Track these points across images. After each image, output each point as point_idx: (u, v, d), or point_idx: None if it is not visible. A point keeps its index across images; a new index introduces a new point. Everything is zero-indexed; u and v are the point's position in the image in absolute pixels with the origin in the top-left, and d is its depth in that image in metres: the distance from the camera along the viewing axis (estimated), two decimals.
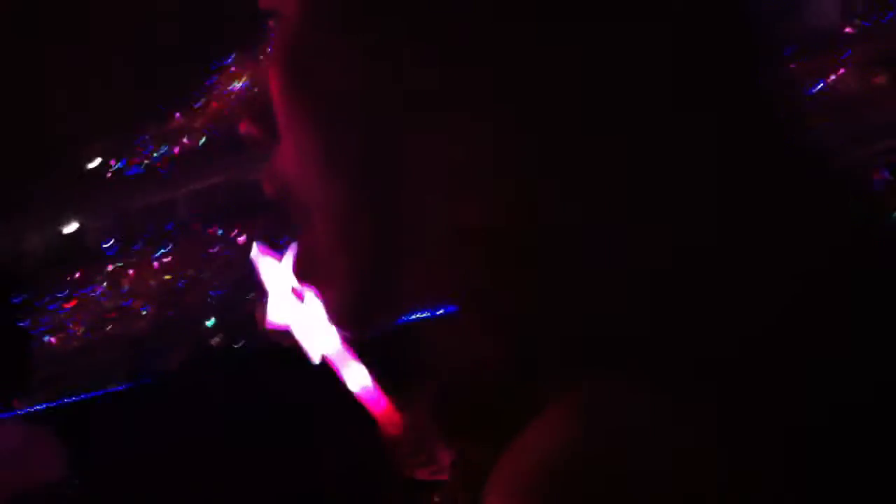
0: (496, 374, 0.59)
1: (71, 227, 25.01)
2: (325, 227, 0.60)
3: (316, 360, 1.02)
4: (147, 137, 25.99)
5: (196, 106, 26.43)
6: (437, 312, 0.63)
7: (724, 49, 0.53)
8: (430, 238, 0.56)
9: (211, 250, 23.46)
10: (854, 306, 0.54)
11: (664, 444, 0.47)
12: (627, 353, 0.52)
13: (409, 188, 0.56)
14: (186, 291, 22.38)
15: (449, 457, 1.02)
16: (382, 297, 0.60)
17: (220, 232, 23.59)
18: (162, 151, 25.36)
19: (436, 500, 1.14)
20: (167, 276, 23.17)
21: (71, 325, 22.24)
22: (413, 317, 0.62)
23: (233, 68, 26.73)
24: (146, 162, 25.36)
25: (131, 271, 23.75)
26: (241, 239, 22.72)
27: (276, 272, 1.01)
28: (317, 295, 1.00)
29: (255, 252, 1.05)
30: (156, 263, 23.88)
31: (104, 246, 24.14)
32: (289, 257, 1.03)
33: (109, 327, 21.46)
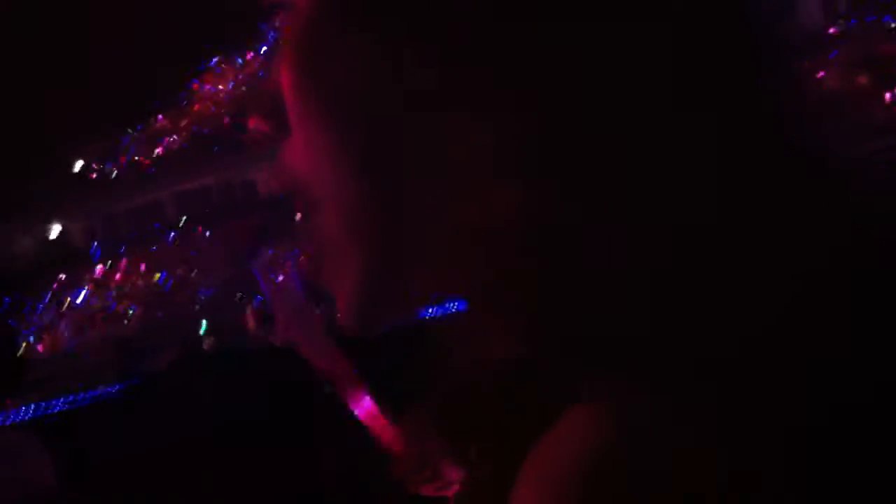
0: (498, 374, 0.59)
1: (56, 230, 24.93)
2: (335, 223, 0.59)
3: (321, 377, 1.02)
4: (131, 139, 25.94)
5: (180, 107, 26.39)
6: (446, 309, 0.63)
7: (723, 49, 0.52)
8: (432, 237, 0.56)
9: (198, 251, 23.42)
10: (854, 306, 0.51)
11: (681, 445, 0.47)
12: (627, 353, 0.51)
13: (409, 188, 0.56)
14: (174, 292, 22.34)
15: (454, 472, 1.03)
16: (391, 293, 0.59)
17: (206, 233, 23.55)
18: (146, 153, 25.31)
19: None
20: (154, 278, 23.12)
21: (58, 328, 22.18)
22: (420, 315, 0.61)
23: (217, 69, 26.71)
24: (131, 163, 25.31)
25: (118, 273, 23.70)
26: (228, 239, 22.68)
27: (281, 289, 1.01)
28: (319, 314, 1.00)
29: (260, 267, 1.05)
30: (142, 265, 23.83)
31: (90, 248, 24.06)
32: (291, 274, 1.03)
33: (96, 329, 21.41)
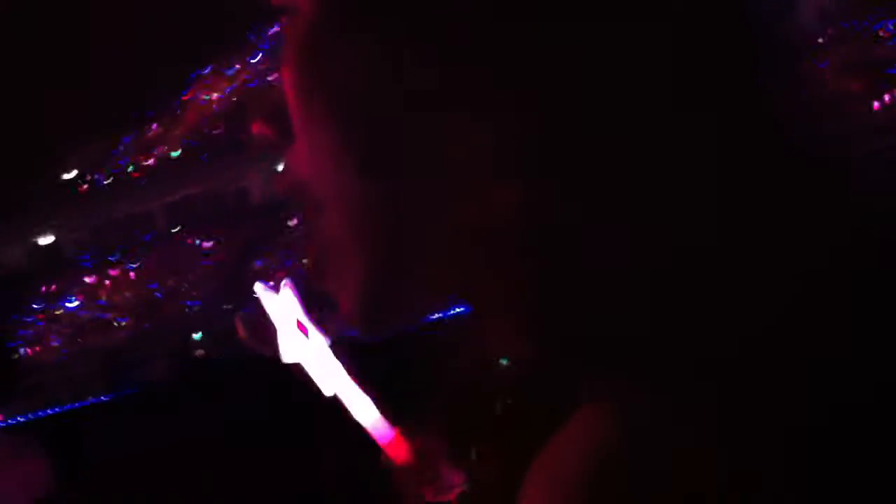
0: (499, 374, 0.59)
1: (47, 239, 24.78)
2: (338, 225, 0.59)
3: (327, 392, 1.01)
4: (123, 148, 25.83)
5: (172, 116, 26.29)
6: (450, 313, 0.62)
7: (723, 49, 0.52)
8: (433, 237, 0.56)
9: (189, 261, 23.31)
10: (854, 306, 0.51)
11: (684, 445, 0.47)
12: (627, 353, 0.51)
13: (410, 188, 0.56)
14: (164, 302, 22.22)
15: (454, 475, 1.02)
16: (395, 295, 0.59)
17: (197, 242, 23.44)
18: (138, 162, 25.19)
19: None
20: (144, 288, 22.99)
21: (48, 337, 22.04)
22: (424, 320, 0.61)
23: (208, 79, 26.63)
24: (122, 173, 25.18)
25: (108, 283, 23.57)
26: (219, 249, 22.57)
27: (281, 308, 1.01)
28: (320, 327, 1.00)
29: (260, 289, 1.04)
30: (133, 274, 23.70)
31: (81, 258, 23.92)
32: (290, 293, 1.03)
33: (87, 339, 21.27)
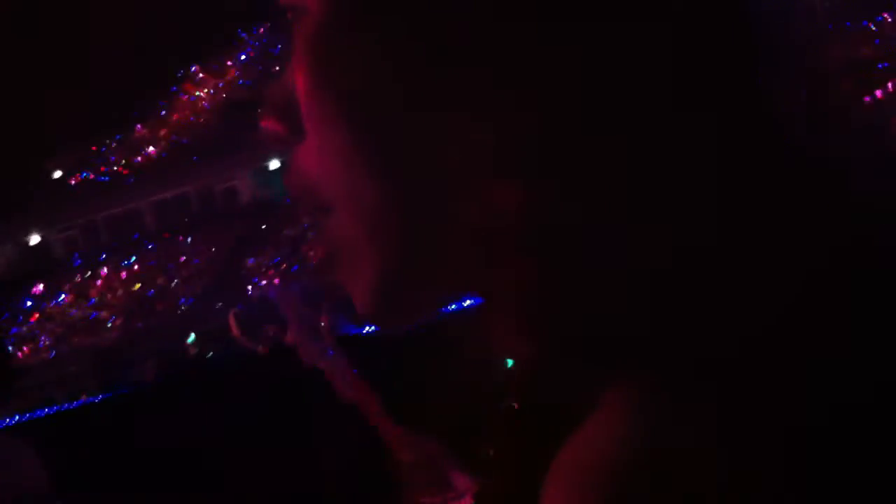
0: (509, 374, 0.59)
1: (36, 239, 24.63)
2: (352, 224, 0.58)
3: (343, 393, 1.01)
4: (111, 147, 25.68)
5: (160, 116, 26.15)
6: (455, 308, 0.62)
7: (724, 48, 0.52)
8: (437, 236, 0.56)
9: (179, 260, 23.18)
10: (854, 306, 0.50)
11: (686, 445, 0.47)
12: (629, 353, 0.51)
13: (413, 188, 0.55)
14: (155, 301, 22.09)
15: (461, 481, 1.02)
16: (407, 291, 0.59)
17: (188, 241, 23.32)
18: (126, 161, 25.03)
19: None
20: (135, 287, 22.86)
21: (38, 338, 21.90)
22: (437, 313, 0.61)
23: (198, 76, 26.49)
24: (111, 171, 25.02)
25: (98, 282, 23.43)
26: (210, 248, 22.44)
27: (298, 311, 1.01)
28: (328, 326, 1.00)
29: (277, 291, 1.05)
30: (122, 274, 23.56)
31: (70, 257, 23.76)
32: (297, 294, 1.03)
33: (77, 338, 21.13)
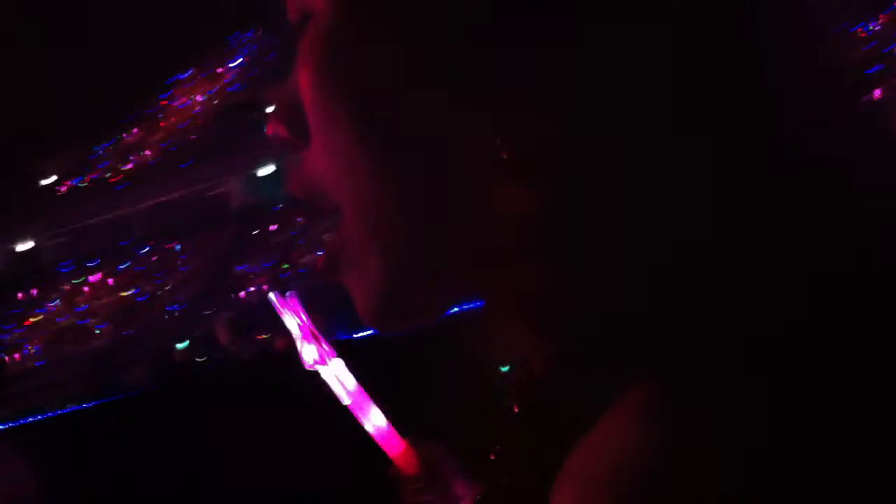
0: (511, 378, 0.59)
1: (25, 245, 24.65)
2: (357, 227, 0.59)
3: (344, 400, 1.00)
4: (103, 153, 25.75)
5: (152, 121, 26.23)
6: (460, 310, 0.62)
7: (724, 48, 0.53)
8: (448, 238, 0.57)
9: (168, 266, 23.23)
10: (855, 306, 0.51)
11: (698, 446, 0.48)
12: (638, 354, 0.51)
13: (417, 189, 0.56)
14: (145, 308, 22.13)
15: (463, 488, 1.02)
16: (411, 295, 0.59)
17: (177, 247, 23.37)
18: (118, 167, 25.11)
19: None
20: (124, 293, 22.90)
21: (27, 344, 21.92)
22: (440, 316, 0.61)
23: (189, 82, 26.57)
24: (102, 178, 25.09)
25: (87, 289, 23.46)
26: (197, 255, 22.49)
27: (295, 317, 1.01)
28: (326, 333, 0.99)
29: (274, 299, 1.04)
30: (113, 280, 23.61)
31: (61, 263, 23.80)
32: (297, 302, 1.03)
33: (67, 345, 21.16)
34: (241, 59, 25.38)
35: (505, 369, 0.60)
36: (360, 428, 0.99)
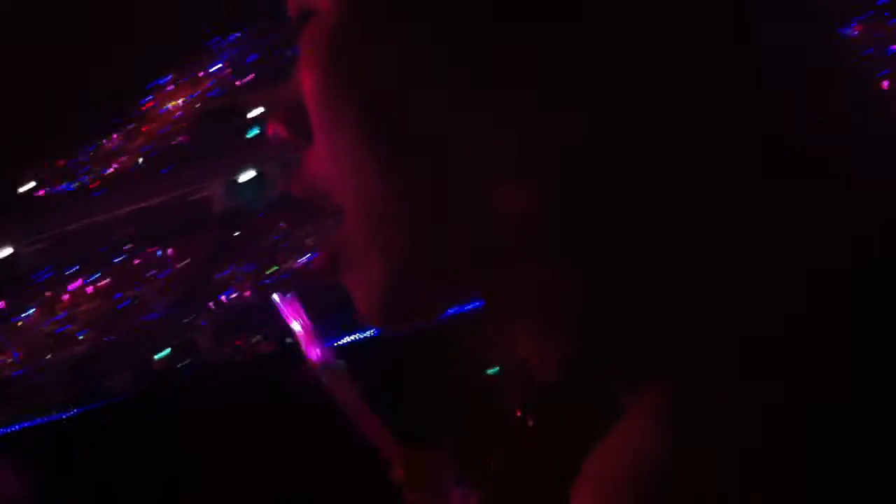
0: (514, 380, 0.59)
1: (4, 252, 24.60)
2: (361, 227, 0.60)
3: (344, 402, 1.00)
4: (83, 158, 25.74)
5: (133, 126, 26.25)
6: (463, 310, 0.63)
7: (724, 48, 0.53)
8: (451, 238, 0.58)
9: (150, 271, 23.24)
10: (855, 306, 0.51)
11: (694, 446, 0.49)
12: (649, 355, 0.52)
13: (429, 188, 0.57)
14: (126, 314, 22.13)
15: (461, 493, 1.02)
16: (414, 295, 0.60)
17: (158, 253, 23.38)
18: (97, 172, 25.11)
19: None
20: (105, 299, 22.90)
21: (7, 352, 21.87)
22: (441, 316, 0.62)
23: (169, 87, 26.60)
24: (81, 183, 25.09)
25: (67, 296, 23.45)
26: (179, 260, 22.53)
27: (299, 320, 1.00)
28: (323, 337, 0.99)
29: (278, 300, 1.04)
30: (93, 286, 23.60)
31: (41, 270, 23.78)
32: (298, 306, 1.02)
33: (47, 353, 21.13)
34: (221, 64, 25.41)
35: (494, 371, 0.61)
36: (351, 433, 0.98)
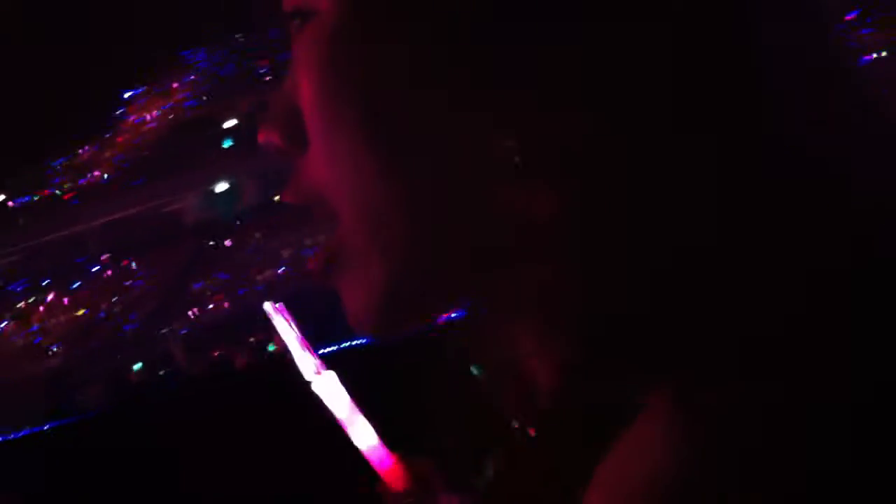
0: (512, 377, 0.59)
1: None
2: (359, 231, 0.59)
3: (337, 413, 0.99)
4: (56, 170, 25.67)
5: (106, 137, 26.20)
6: (461, 314, 0.63)
7: (724, 48, 0.52)
8: (451, 240, 0.57)
9: (124, 283, 23.19)
10: (855, 306, 0.51)
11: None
12: (656, 356, 0.51)
13: (429, 190, 0.56)
14: (100, 326, 22.06)
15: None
16: (412, 299, 0.60)
17: (133, 265, 23.35)
18: (71, 184, 25.04)
19: None
20: (79, 312, 22.83)
21: None
22: (435, 321, 0.61)
23: (143, 98, 26.59)
24: (55, 195, 25.02)
25: (41, 308, 23.36)
26: (154, 272, 22.49)
27: (290, 332, 0.99)
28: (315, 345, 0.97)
29: (270, 310, 1.03)
30: (67, 299, 23.52)
31: (13, 283, 23.68)
32: (287, 316, 1.01)
33: (21, 367, 21.03)
34: (195, 75, 25.41)
35: (476, 371, 0.60)
36: (340, 442, 0.97)
